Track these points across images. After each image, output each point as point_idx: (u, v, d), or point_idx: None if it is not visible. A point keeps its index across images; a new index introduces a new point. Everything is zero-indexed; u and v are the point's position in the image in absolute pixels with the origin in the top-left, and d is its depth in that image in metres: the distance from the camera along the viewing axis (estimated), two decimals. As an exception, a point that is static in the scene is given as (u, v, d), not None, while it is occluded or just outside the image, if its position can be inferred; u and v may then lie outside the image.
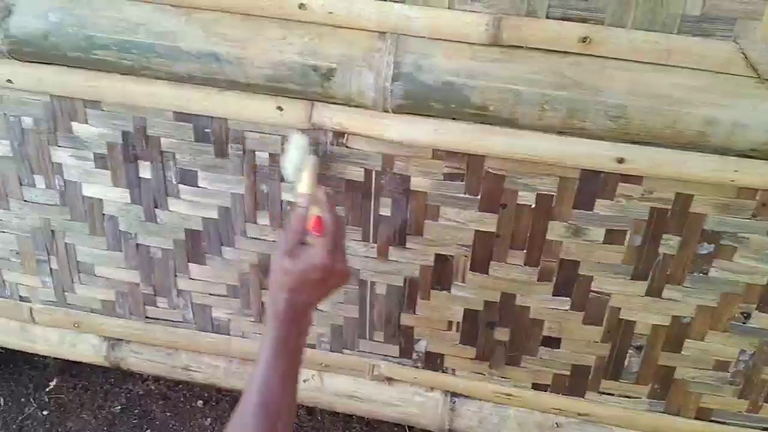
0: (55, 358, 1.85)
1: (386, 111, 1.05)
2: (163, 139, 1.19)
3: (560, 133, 1.03)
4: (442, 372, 1.33)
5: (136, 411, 1.79)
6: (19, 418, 1.76)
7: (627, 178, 1.06)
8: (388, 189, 1.15)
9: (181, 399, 1.82)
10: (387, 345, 1.33)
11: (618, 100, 0.96)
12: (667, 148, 1.01)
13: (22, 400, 1.80)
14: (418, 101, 1.02)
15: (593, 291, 1.17)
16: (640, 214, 1.09)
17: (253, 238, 1.26)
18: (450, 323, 1.27)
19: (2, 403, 1.79)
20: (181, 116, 1.16)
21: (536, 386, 1.30)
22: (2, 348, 1.79)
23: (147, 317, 1.40)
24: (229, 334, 1.38)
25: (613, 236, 1.11)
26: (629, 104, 0.96)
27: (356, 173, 1.15)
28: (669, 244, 1.10)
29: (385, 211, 1.18)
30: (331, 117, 1.09)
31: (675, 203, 1.07)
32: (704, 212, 1.07)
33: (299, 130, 1.11)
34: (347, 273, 0.94)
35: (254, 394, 0.86)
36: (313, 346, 1.36)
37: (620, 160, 1.03)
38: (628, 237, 1.11)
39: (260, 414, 0.84)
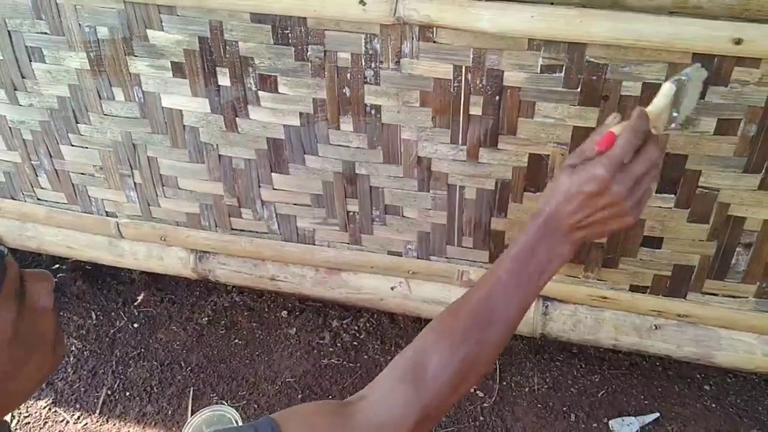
0: (141, 273, 1.89)
1: (478, -2, 0.98)
2: (240, 44, 1.14)
3: (671, 13, 0.94)
4: (535, 276, 1.29)
5: (223, 322, 1.82)
6: (111, 331, 1.81)
7: (744, 61, 0.97)
8: (480, 85, 1.09)
9: (266, 309, 1.84)
10: (476, 251, 1.30)
11: (741, -27, 0.87)
12: (790, 25, 0.91)
13: (113, 314, 1.86)
14: (515, -15, 0.95)
15: (701, 186, 1.10)
16: (756, 101, 1.00)
17: (336, 145, 1.22)
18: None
19: (94, 318, 1.85)
20: (258, 17, 1.10)
21: (634, 288, 1.25)
22: (89, 264, 1.84)
23: (232, 229, 1.40)
24: (314, 244, 1.37)
25: (725, 126, 1.03)
26: (753, -24, 0.87)
27: (444, 70, 1.09)
28: (788, 132, 1.02)
29: (476, 110, 1.12)
30: (418, 9, 1.02)
31: (797, 86, 0.98)
32: (831, 94, 0.98)
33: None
34: (629, 208, 0.81)
35: (477, 295, 0.82)
36: (399, 254, 1.34)
37: (737, 41, 0.94)
38: (741, 126, 1.03)
39: (479, 310, 0.80)
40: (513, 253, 0.82)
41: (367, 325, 1.79)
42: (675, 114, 0.89)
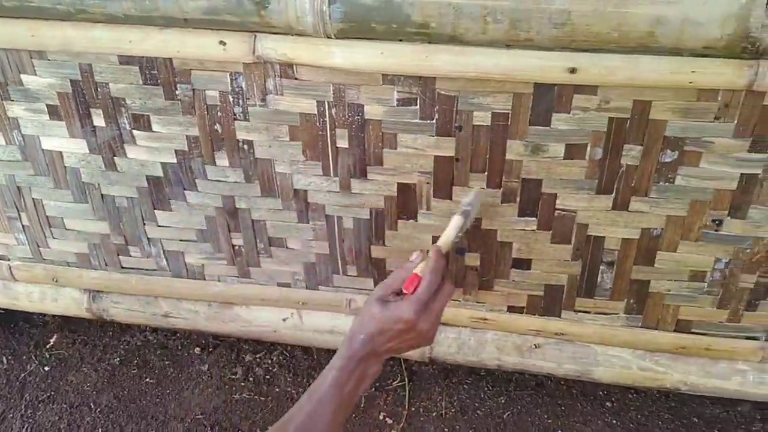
0: (54, 315, 1.88)
1: (328, 37, 1.01)
2: (111, 85, 1.16)
3: (508, 46, 0.99)
4: (418, 301, 1.32)
5: (135, 362, 1.81)
6: (22, 375, 1.79)
7: (581, 89, 1.02)
8: (343, 119, 1.12)
9: (179, 347, 1.84)
10: (361, 278, 1.32)
11: (561, 6, 0.91)
12: (618, 54, 0.96)
13: (24, 357, 1.84)
14: (359, 23, 0.98)
15: (558, 209, 1.15)
16: (598, 126, 1.05)
17: (214, 180, 1.24)
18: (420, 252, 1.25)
19: (5, 362, 1.83)
20: (125, 59, 1.13)
21: (512, 309, 1.29)
22: (2, 309, 1.82)
23: (122, 267, 1.41)
24: (204, 279, 1.39)
25: (573, 151, 1.08)
26: (573, 9, 0.91)
27: (308, 105, 1.12)
28: (631, 154, 1.07)
29: (343, 143, 1.15)
30: (275, 48, 1.06)
31: (633, 111, 1.03)
32: (665, 118, 1.03)
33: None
34: (430, 336, 0.96)
35: (301, 416, 0.89)
36: (288, 285, 1.37)
37: (572, 70, 0.99)
38: (588, 150, 1.08)
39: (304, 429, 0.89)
40: (332, 378, 0.92)
41: (280, 358, 1.80)
42: (461, 235, 1.07)
